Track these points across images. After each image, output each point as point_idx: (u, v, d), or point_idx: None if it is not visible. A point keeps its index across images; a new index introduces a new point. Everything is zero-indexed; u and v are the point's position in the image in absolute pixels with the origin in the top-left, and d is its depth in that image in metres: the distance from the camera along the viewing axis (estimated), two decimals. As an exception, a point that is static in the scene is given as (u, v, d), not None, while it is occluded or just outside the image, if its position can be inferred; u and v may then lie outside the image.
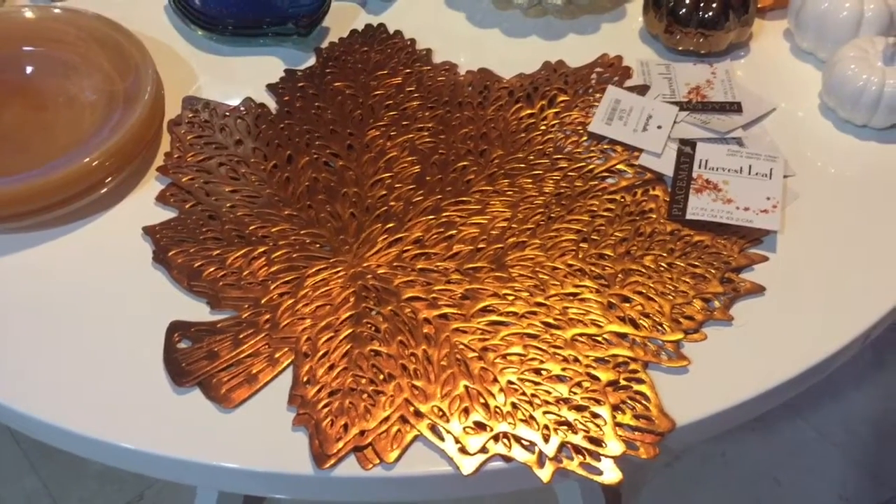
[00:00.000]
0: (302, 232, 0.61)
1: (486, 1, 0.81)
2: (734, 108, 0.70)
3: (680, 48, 0.76)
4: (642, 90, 0.72)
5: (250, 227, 0.61)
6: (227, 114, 0.70)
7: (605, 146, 0.67)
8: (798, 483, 1.27)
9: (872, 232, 0.63)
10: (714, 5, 0.73)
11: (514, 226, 0.61)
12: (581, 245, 0.60)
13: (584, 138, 0.68)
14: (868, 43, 0.70)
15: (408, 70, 0.73)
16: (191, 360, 0.54)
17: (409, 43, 0.76)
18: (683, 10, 0.74)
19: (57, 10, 0.74)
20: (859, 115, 0.69)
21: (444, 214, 0.62)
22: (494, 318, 0.56)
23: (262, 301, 0.57)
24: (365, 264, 0.59)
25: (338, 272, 0.59)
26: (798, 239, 0.62)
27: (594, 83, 0.73)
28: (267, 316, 0.56)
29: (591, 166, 0.66)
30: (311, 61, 0.75)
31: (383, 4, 0.81)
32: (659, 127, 0.68)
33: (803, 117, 0.72)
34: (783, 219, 0.63)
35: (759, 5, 0.79)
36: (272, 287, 0.58)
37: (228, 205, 0.63)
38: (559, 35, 0.79)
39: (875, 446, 1.31)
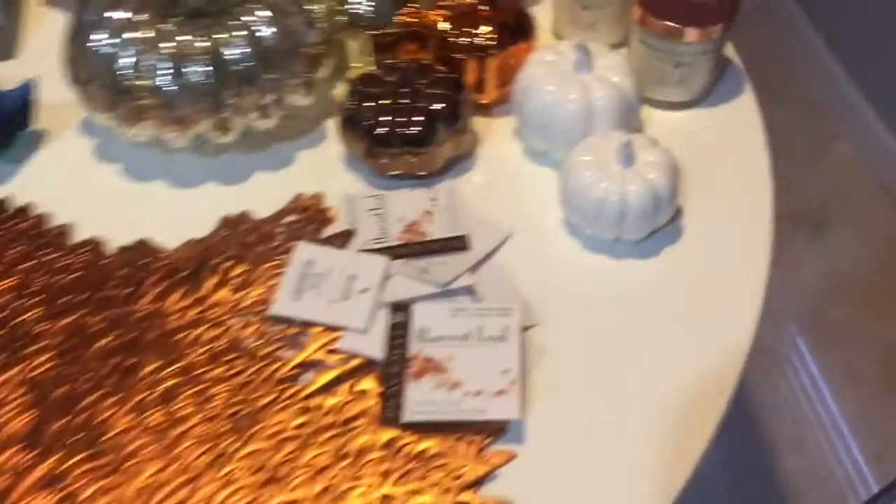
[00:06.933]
0: None
1: (144, 147, 0.63)
2: (459, 244, 0.56)
3: (391, 173, 0.61)
4: (344, 239, 0.57)
5: None
6: None
7: (297, 329, 0.52)
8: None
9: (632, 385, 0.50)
10: (417, 118, 0.59)
11: (166, 483, 0.44)
12: (261, 492, 0.44)
13: (270, 323, 0.52)
14: (603, 141, 0.58)
15: (30, 263, 0.55)
16: None
17: (35, 221, 0.58)
18: (384, 129, 0.59)
19: None
20: (606, 230, 0.56)
21: (65, 484, 0.44)
22: None
23: None
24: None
25: None
26: (549, 414, 0.48)
27: (283, 239, 0.57)
28: None
29: (276, 365, 0.50)
30: None
31: (4, 167, 0.62)
32: (364, 290, 0.53)
33: (546, 239, 0.58)
34: (525, 396, 0.49)
35: (483, 100, 0.66)
36: None
37: None
38: (243, 176, 0.63)
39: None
